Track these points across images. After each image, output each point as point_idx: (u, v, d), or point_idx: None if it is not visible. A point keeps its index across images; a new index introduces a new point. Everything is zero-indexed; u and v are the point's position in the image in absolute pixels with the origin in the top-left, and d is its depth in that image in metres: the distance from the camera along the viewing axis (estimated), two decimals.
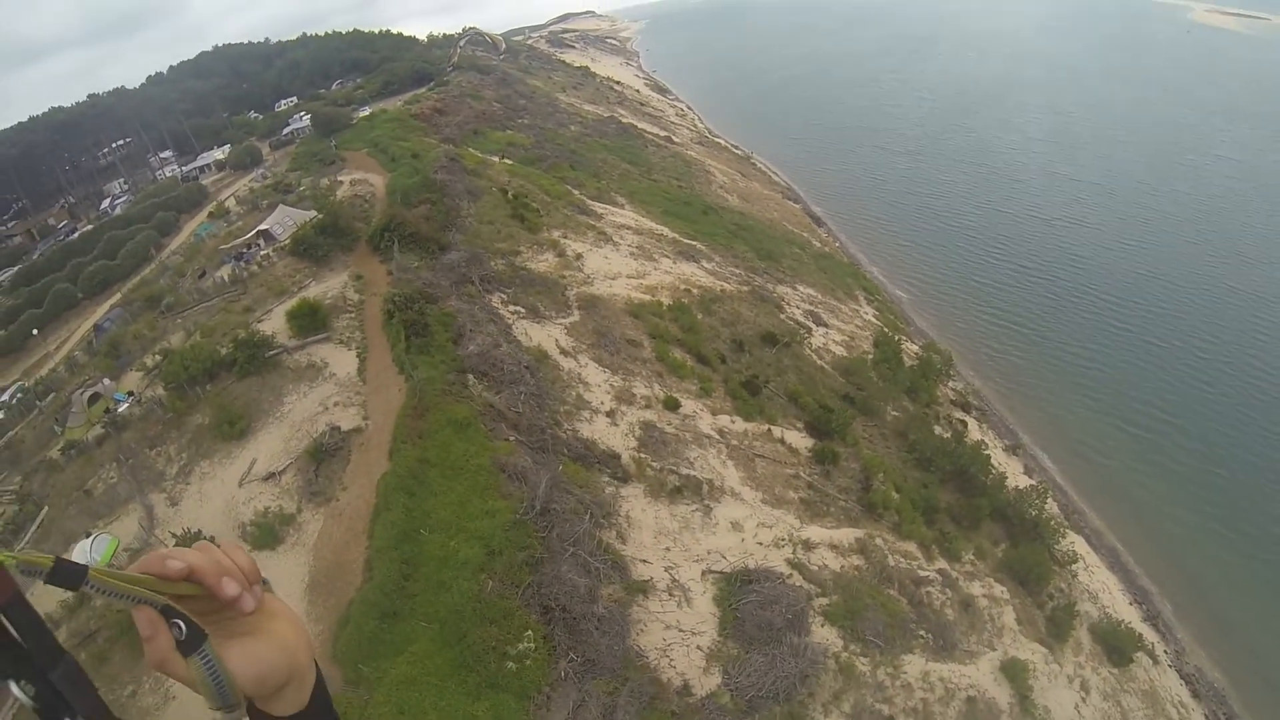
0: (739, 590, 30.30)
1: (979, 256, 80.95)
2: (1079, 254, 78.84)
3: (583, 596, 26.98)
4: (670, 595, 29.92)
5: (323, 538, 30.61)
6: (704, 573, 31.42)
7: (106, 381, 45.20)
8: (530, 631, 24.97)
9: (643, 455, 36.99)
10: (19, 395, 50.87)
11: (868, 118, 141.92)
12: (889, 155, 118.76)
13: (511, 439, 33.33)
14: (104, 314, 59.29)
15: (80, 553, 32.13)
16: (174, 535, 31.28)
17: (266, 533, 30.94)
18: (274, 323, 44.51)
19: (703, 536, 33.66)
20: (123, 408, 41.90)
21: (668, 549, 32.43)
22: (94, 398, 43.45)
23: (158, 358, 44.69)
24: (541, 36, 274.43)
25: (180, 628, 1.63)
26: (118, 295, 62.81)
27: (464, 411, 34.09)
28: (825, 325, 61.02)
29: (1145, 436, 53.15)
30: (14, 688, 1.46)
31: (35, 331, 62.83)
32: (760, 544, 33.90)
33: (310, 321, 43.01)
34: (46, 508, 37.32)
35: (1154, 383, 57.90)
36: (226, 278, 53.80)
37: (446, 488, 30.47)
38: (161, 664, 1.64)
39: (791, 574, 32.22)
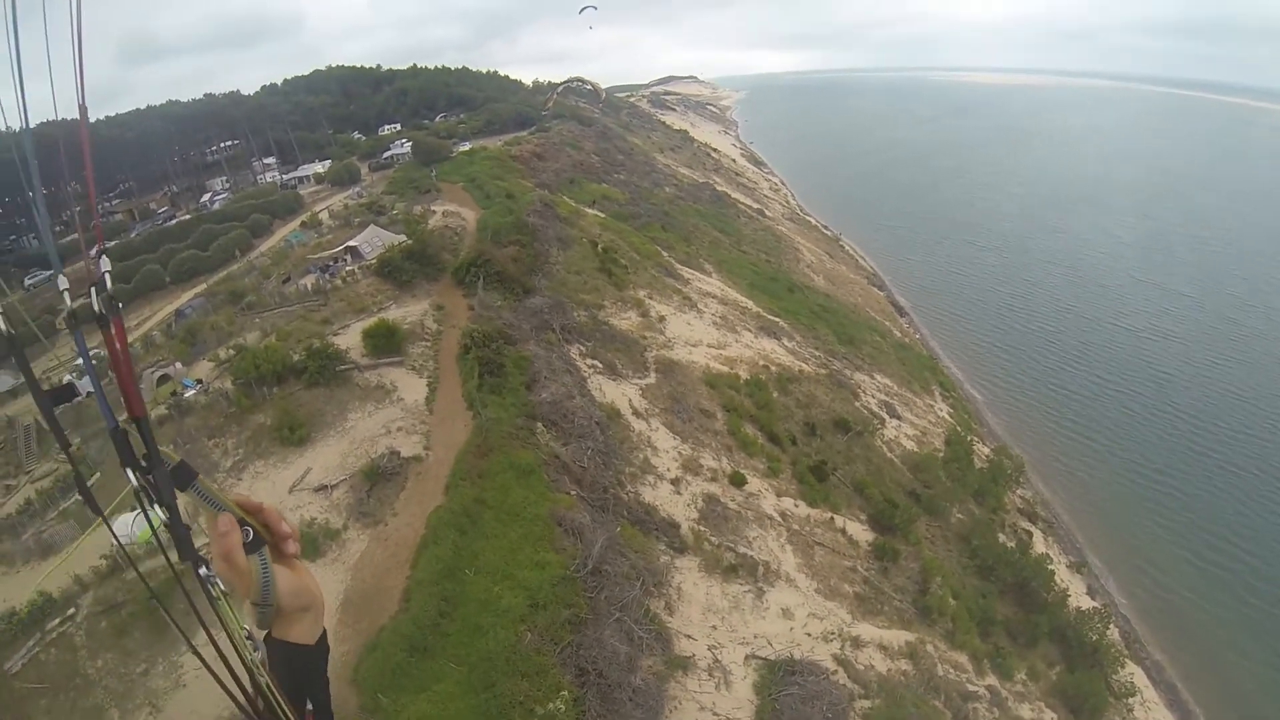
0: (781, 680, 28.77)
1: (1058, 362, 78.28)
2: (1163, 368, 75.83)
3: (622, 664, 25.60)
4: (710, 676, 28.47)
5: (364, 559, 29.69)
6: (748, 657, 30.03)
7: (178, 365, 45.38)
8: (564, 693, 23.67)
9: (702, 528, 35.84)
10: (92, 363, 51.25)
11: (959, 210, 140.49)
12: (976, 250, 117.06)
13: (573, 493, 32.26)
14: (187, 301, 59.98)
15: (122, 525, 31.78)
16: None
17: (309, 543, 30.08)
18: (349, 338, 44.33)
19: (751, 619, 32.35)
20: (189, 393, 41.81)
21: (714, 627, 31.12)
22: (163, 378, 43.55)
23: (231, 352, 44.72)
24: (644, 96, 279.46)
25: (249, 533, 2.22)
26: (203, 285, 63.64)
27: (528, 458, 33.13)
28: (898, 417, 59.38)
29: (1219, 572, 49.78)
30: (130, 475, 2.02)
31: (120, 306, 63.64)
32: (809, 635, 32.61)
33: (386, 343, 42.67)
34: (99, 474, 37.29)
35: (1234, 515, 54.37)
36: (310, 286, 54.11)
37: (499, 532, 29.44)
38: (229, 553, 2.15)
39: (837, 670, 30.92)
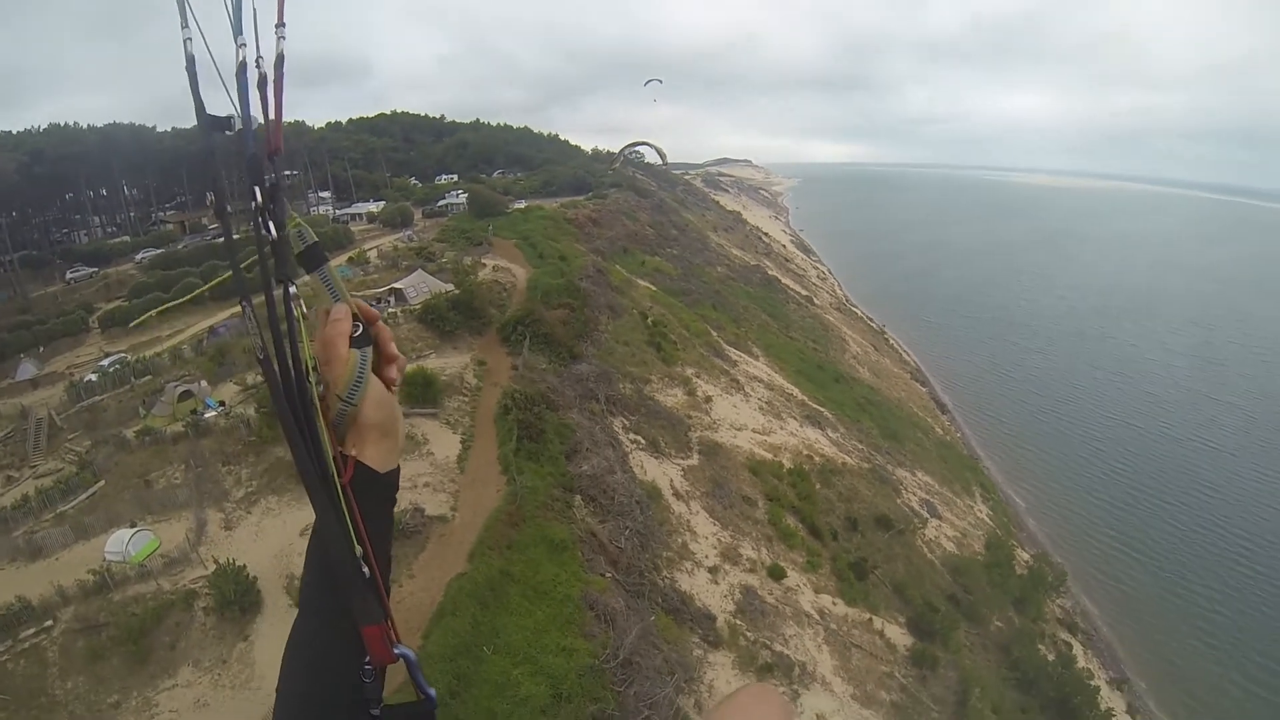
0: None
1: (1102, 469, 75.22)
2: (1210, 481, 72.24)
3: None
4: None
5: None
6: None
7: (203, 383, 44.11)
8: None
9: (738, 622, 33.88)
10: (116, 366, 50.01)
11: (1006, 311, 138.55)
12: (1022, 352, 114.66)
13: (608, 575, 29.86)
14: (222, 320, 58.62)
15: (116, 542, 30.92)
16: (216, 561, 28.57)
17: None
18: None
19: None
20: (210, 414, 40.27)
21: None
22: (185, 394, 42.17)
23: (259, 378, 42.92)
24: (698, 175, 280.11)
25: (358, 327, 2.05)
26: (239, 307, 62.35)
27: (563, 533, 30.80)
28: (939, 517, 57.25)
29: (1268, 698, 46.68)
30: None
31: (152, 313, 62.77)
32: None
33: (422, 392, 40.81)
34: (103, 481, 35.63)
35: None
36: None
37: (525, 609, 26.94)
38: (336, 339, 2.00)
39: None
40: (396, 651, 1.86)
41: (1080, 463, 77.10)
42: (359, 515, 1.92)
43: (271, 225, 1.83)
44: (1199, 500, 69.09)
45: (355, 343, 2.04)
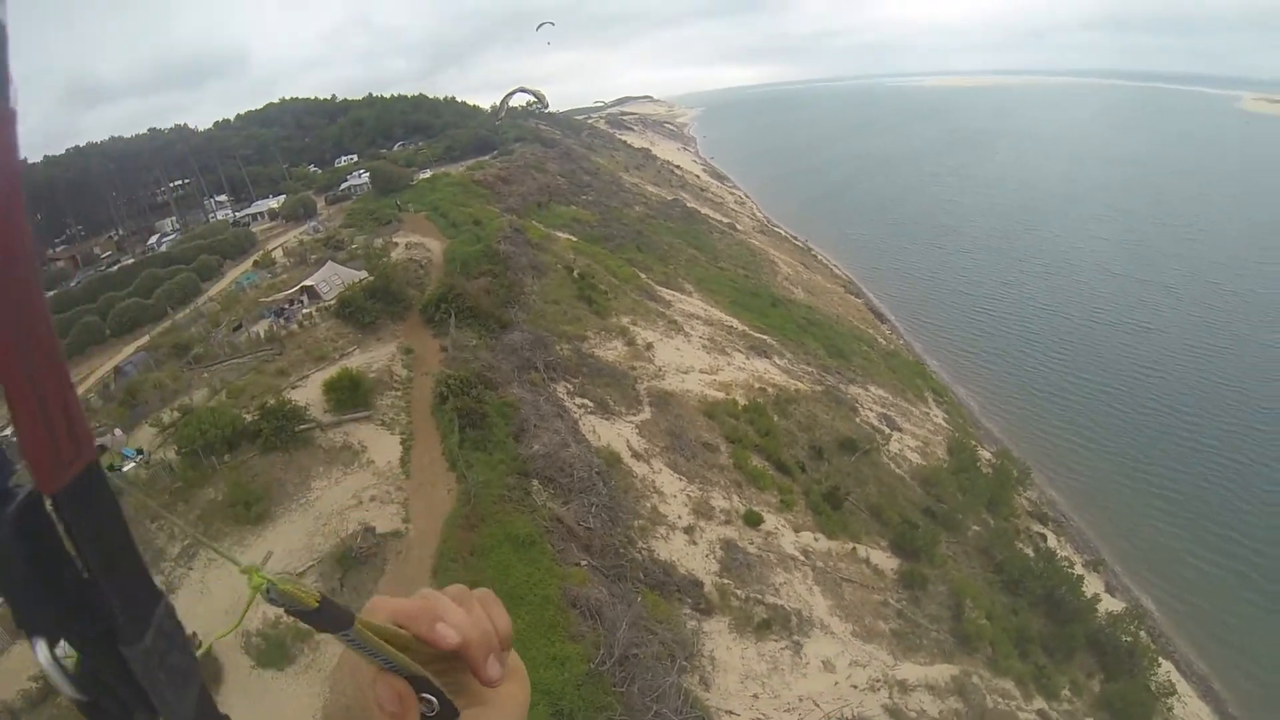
0: None
1: (1042, 360, 76.76)
2: (1146, 360, 74.56)
3: None
4: None
5: (343, 665, 24.75)
6: None
7: (117, 433, 40.13)
8: None
9: (726, 581, 32.45)
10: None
11: (929, 216, 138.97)
12: (949, 254, 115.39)
13: (584, 563, 27.77)
14: (128, 356, 55.01)
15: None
16: None
17: (276, 649, 25.37)
18: (309, 392, 39.33)
19: (793, 680, 29.18)
20: (128, 466, 36.74)
21: (756, 695, 27.68)
22: (100, 449, 38.17)
23: (175, 414, 39.70)
24: (601, 118, 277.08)
25: (432, 704, 1.27)
26: (145, 338, 58.60)
27: (526, 526, 28.42)
28: (899, 429, 56.74)
29: (1229, 558, 48.52)
30: (40, 651, 0.82)
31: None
32: (854, 687, 29.85)
33: (350, 395, 37.72)
34: None
35: (1234, 500, 53.35)
36: (263, 334, 49.30)
37: None
38: None
39: None
40: None
41: (1021, 355, 78.59)
42: None
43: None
44: (1138, 379, 71.03)
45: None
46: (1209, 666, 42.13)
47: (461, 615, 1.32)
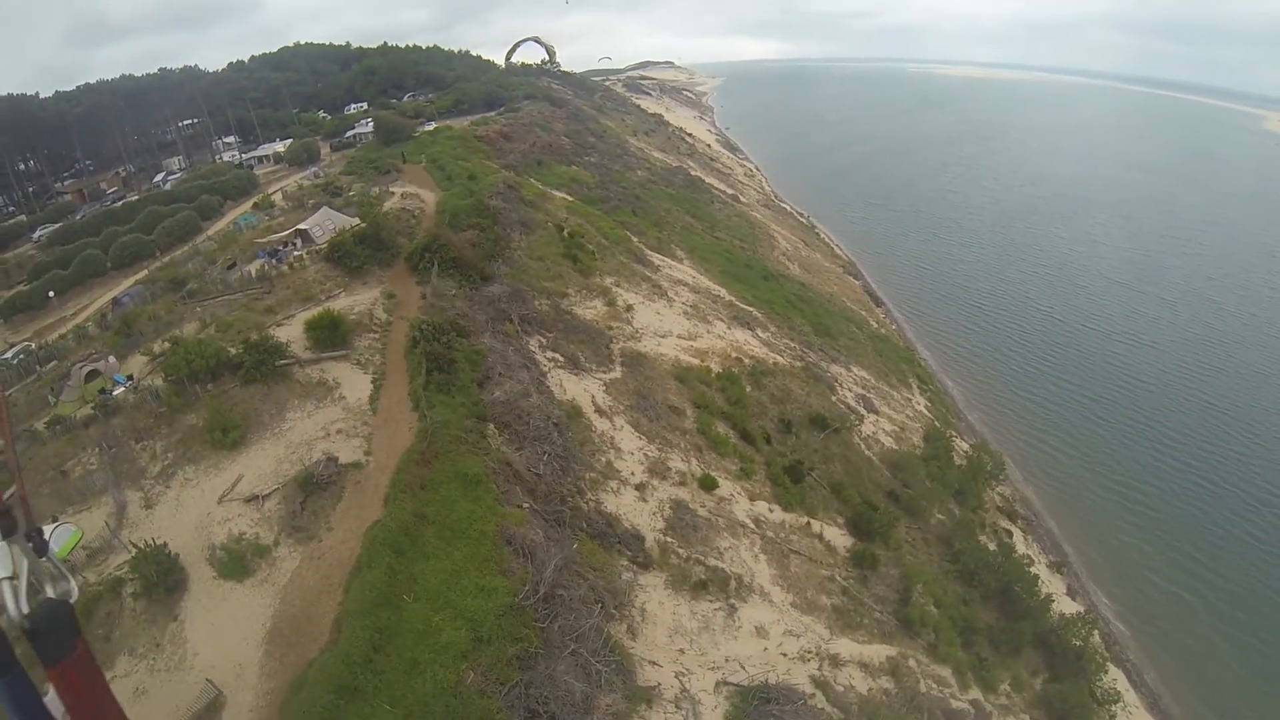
0: (755, 709, 26.42)
1: (1034, 360, 78.08)
2: (1136, 371, 75.63)
3: (577, 705, 22.77)
4: (678, 708, 25.82)
5: (295, 580, 26.65)
6: (718, 684, 27.64)
7: (110, 359, 41.94)
8: None
9: (669, 539, 33.48)
10: (21, 356, 48.20)
11: (935, 205, 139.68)
12: (952, 246, 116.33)
13: (525, 506, 29.26)
14: (126, 288, 56.68)
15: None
16: (135, 546, 27.79)
17: (236, 561, 27.21)
18: (292, 329, 41.00)
19: (722, 640, 30.10)
20: (118, 391, 38.50)
21: (682, 651, 28.67)
22: (92, 374, 40.21)
23: (166, 345, 41.52)
24: (619, 80, 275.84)
25: None
26: (144, 272, 60.25)
27: (476, 466, 30.00)
28: (876, 412, 57.67)
29: (1195, 571, 49.94)
30: None
31: (51, 294, 60.45)
32: (784, 655, 30.61)
33: (330, 335, 39.36)
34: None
35: (1208, 514, 54.70)
36: (254, 273, 50.80)
37: (442, 552, 26.22)
38: None
39: (815, 694, 28.92)
40: None
41: (1013, 352, 79.95)
42: None
43: None
44: (1126, 390, 72.06)
45: None
46: (1161, 681, 42.91)
47: None
